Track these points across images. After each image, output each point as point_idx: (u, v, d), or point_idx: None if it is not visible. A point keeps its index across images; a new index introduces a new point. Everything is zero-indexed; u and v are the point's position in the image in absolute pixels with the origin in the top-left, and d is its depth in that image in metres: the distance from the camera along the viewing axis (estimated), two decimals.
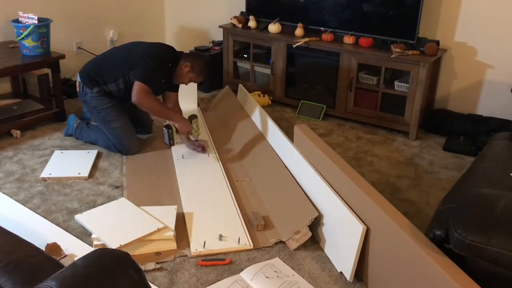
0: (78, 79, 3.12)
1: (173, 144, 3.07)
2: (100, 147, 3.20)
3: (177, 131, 3.02)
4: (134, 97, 2.88)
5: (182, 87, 3.26)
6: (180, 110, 3.24)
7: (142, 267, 1.70)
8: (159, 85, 3.03)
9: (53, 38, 3.61)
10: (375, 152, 3.36)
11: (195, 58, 3.08)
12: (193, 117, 3.08)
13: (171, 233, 2.28)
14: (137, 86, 2.88)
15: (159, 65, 2.95)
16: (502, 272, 1.54)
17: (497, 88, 3.53)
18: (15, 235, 1.52)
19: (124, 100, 3.09)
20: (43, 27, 3.40)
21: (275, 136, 3.02)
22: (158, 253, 2.23)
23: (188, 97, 3.79)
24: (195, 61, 3.04)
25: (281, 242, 2.35)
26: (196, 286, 2.06)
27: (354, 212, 2.08)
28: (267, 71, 4.15)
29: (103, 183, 2.83)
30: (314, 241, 2.36)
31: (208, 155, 3.13)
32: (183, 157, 3.12)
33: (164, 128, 3.04)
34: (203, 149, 3.17)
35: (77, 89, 3.14)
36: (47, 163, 3.00)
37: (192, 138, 3.13)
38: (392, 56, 3.42)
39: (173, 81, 3.10)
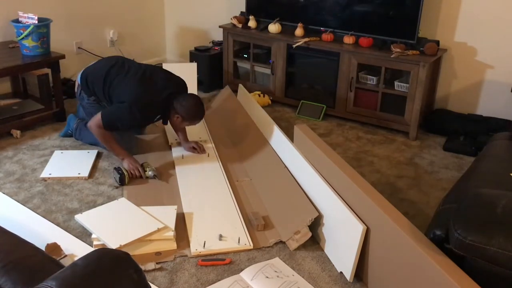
0: (78, 80, 3.07)
1: (123, 185, 2.79)
2: (100, 147, 3.20)
3: (129, 175, 2.84)
4: (90, 125, 2.86)
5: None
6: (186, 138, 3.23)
7: (142, 267, 1.70)
8: (133, 124, 2.93)
9: (53, 38, 3.61)
10: (375, 152, 3.36)
11: (182, 106, 2.84)
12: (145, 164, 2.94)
13: (171, 233, 2.28)
14: (96, 117, 2.81)
15: (133, 117, 2.79)
16: (502, 272, 1.54)
17: (497, 88, 3.54)
18: (15, 235, 1.52)
19: None
20: (43, 27, 3.40)
21: (275, 136, 3.02)
22: (158, 253, 2.23)
23: None
24: (183, 109, 2.84)
25: (281, 242, 2.35)
26: (196, 286, 2.06)
27: (354, 212, 2.08)
28: (267, 71, 4.15)
29: (103, 183, 2.83)
30: (314, 241, 2.36)
31: (208, 155, 3.12)
32: (182, 157, 3.12)
33: (114, 170, 2.83)
34: (201, 149, 3.16)
35: (75, 90, 3.12)
36: (47, 163, 3.00)
37: (149, 175, 2.86)
38: (392, 56, 3.42)
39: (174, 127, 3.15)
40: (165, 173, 2.94)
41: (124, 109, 2.79)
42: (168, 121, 3.04)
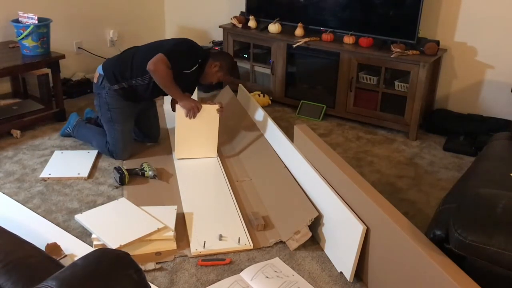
0: (99, 71, 3.01)
1: (123, 184, 2.79)
2: (93, 147, 3.19)
3: (128, 174, 2.81)
4: (151, 63, 2.78)
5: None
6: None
7: (142, 267, 1.70)
8: (185, 80, 2.96)
9: (53, 38, 3.61)
10: (375, 152, 3.36)
11: (223, 57, 3.04)
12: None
13: (171, 233, 2.28)
14: (158, 56, 2.79)
15: (189, 53, 2.92)
16: (502, 272, 1.54)
17: (497, 88, 3.54)
18: (15, 235, 1.52)
19: (144, 99, 3.06)
20: (43, 27, 3.40)
21: (275, 136, 3.02)
22: (158, 253, 2.23)
23: None
24: (224, 60, 3.01)
25: (281, 242, 2.35)
26: (196, 286, 2.06)
27: (354, 212, 2.08)
28: (267, 71, 4.15)
29: (103, 183, 2.83)
30: (314, 241, 2.36)
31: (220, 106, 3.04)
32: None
33: (114, 170, 2.83)
34: (221, 107, 3.06)
35: (95, 81, 3.03)
36: (47, 163, 3.00)
37: (149, 175, 2.87)
38: (392, 56, 3.42)
39: (200, 80, 3.08)
40: (165, 173, 2.94)
41: (175, 44, 2.91)
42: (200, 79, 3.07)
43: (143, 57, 2.89)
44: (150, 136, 3.31)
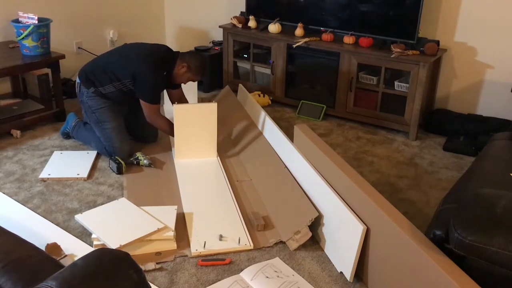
0: (77, 80, 3.12)
1: (120, 173, 2.89)
2: (92, 147, 3.19)
3: (125, 164, 2.92)
4: (147, 118, 3.01)
5: (182, 88, 3.26)
6: (187, 101, 3.31)
7: (142, 267, 1.70)
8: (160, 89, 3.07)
9: (53, 38, 3.61)
10: (375, 152, 3.36)
11: (191, 58, 3.03)
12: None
13: (171, 233, 2.28)
14: (146, 107, 2.96)
15: (156, 76, 2.94)
16: (502, 272, 1.54)
17: (497, 88, 3.53)
18: (15, 235, 1.52)
19: (121, 103, 3.10)
20: (43, 27, 3.40)
21: (275, 136, 3.02)
22: (158, 253, 2.23)
23: (188, 98, 3.79)
24: (191, 61, 3.01)
25: (281, 242, 2.35)
26: (196, 286, 2.06)
27: (354, 212, 2.08)
28: (267, 71, 4.15)
29: (103, 183, 2.83)
30: (314, 241, 2.36)
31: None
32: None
33: (110, 160, 2.94)
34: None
35: (76, 91, 3.14)
36: (47, 163, 3.00)
37: (144, 163, 2.98)
38: (392, 56, 3.42)
39: (172, 81, 3.10)
40: (165, 173, 2.93)
41: (143, 80, 2.91)
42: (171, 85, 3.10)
43: (108, 68, 2.97)
44: (147, 137, 3.31)
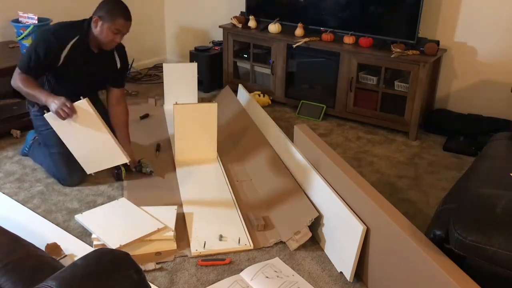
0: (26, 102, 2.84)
1: (120, 180, 2.83)
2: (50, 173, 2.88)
3: (126, 169, 2.84)
4: (11, 82, 2.60)
5: (182, 88, 3.26)
6: (126, 108, 2.93)
7: (142, 267, 1.70)
8: (77, 66, 2.64)
9: None
10: (375, 152, 3.36)
11: (99, 7, 2.59)
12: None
13: (171, 233, 2.28)
14: (15, 73, 2.59)
15: (39, 41, 2.56)
16: (502, 272, 1.54)
17: (497, 88, 3.53)
18: (15, 235, 1.52)
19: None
20: (43, 27, 3.40)
21: (275, 136, 3.02)
22: (158, 253, 2.23)
23: (188, 98, 3.79)
24: (100, 8, 2.57)
25: (281, 242, 2.35)
26: (196, 286, 2.06)
27: (354, 212, 2.08)
28: (267, 71, 4.15)
29: (103, 183, 2.83)
30: (314, 241, 2.36)
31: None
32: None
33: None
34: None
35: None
36: None
37: (146, 171, 2.88)
38: (392, 56, 3.42)
39: (102, 47, 2.68)
40: (165, 173, 2.94)
41: (34, 41, 2.63)
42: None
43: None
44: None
